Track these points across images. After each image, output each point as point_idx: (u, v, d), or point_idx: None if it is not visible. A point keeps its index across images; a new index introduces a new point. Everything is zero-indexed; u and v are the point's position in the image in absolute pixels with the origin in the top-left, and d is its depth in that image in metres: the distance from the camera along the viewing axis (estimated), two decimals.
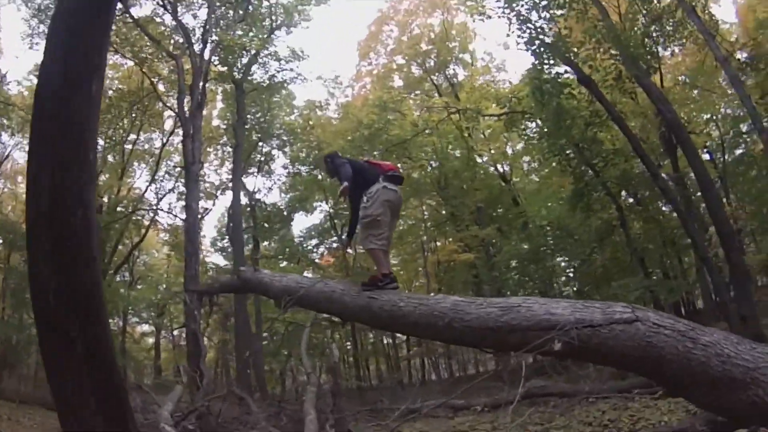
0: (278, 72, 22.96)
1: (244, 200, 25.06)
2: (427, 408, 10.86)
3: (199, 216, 20.36)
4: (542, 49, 15.57)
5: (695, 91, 20.37)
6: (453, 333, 4.39)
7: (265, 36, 21.26)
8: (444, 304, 4.47)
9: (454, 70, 27.85)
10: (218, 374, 25.59)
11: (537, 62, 15.94)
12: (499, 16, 15.69)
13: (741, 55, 16.07)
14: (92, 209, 3.51)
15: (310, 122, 27.61)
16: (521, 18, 15.38)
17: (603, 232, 18.06)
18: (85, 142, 3.41)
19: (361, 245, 5.68)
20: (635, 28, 16.27)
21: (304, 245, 29.40)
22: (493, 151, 27.25)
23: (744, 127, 19.82)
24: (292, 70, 23.02)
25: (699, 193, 17.59)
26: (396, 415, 7.89)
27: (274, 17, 21.84)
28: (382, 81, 27.76)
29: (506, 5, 15.34)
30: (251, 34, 21.08)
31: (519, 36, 15.62)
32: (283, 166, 28.34)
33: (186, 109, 18.09)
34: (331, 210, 29.09)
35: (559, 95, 15.26)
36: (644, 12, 16.47)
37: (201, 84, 18.42)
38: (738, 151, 20.58)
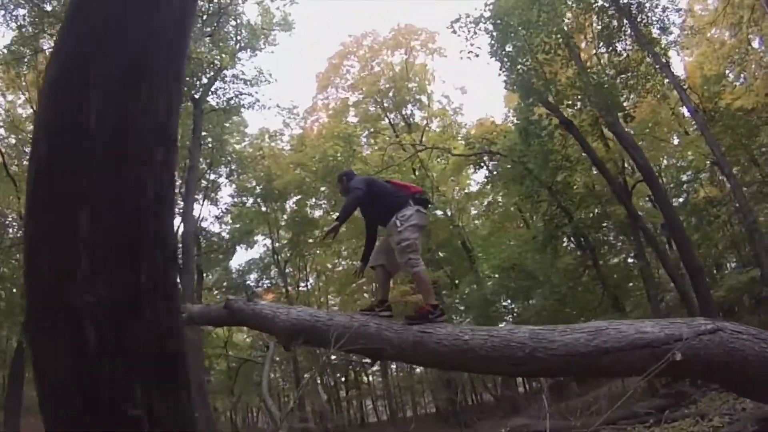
0: (238, 95, 22.48)
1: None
2: None
3: None
4: (529, 91, 16.37)
5: (641, 142, 22.09)
6: (536, 363, 4.38)
7: (231, 54, 20.84)
8: (521, 334, 4.46)
9: (411, 110, 28.55)
10: None
11: (523, 104, 16.71)
12: (490, 57, 16.30)
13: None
14: (175, 155, 1.92)
15: (261, 151, 27.10)
16: (510, 58, 16.12)
17: (574, 272, 18.89)
18: (180, 51, 1.95)
19: (403, 271, 5.34)
20: (602, 79, 17.51)
21: (245, 279, 28.39)
22: (442, 196, 27.94)
23: (684, 177, 21.75)
24: (251, 95, 22.64)
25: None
26: None
27: (239, 37, 21.48)
28: (339, 116, 27.86)
29: (498, 46, 16.03)
30: (214, 52, 20.61)
31: (507, 77, 16.40)
32: (230, 195, 27.47)
33: None
34: (277, 244, 28.56)
35: (551, 136, 15.97)
36: (611, 64, 17.82)
37: None
38: (680, 199, 22.37)
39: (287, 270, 28.75)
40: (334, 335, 4.64)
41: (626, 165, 19.80)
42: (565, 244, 20.02)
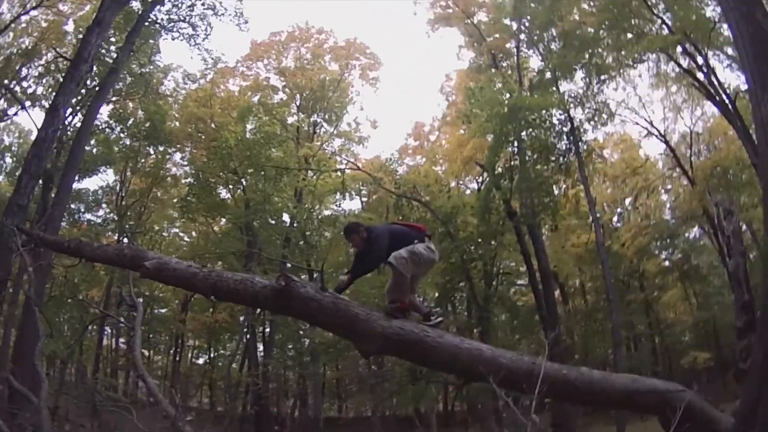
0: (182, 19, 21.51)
1: None
2: None
3: None
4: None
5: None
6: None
7: None
8: (572, 371, 5.37)
9: (320, 120, 29.74)
10: None
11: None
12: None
13: None
14: None
15: (161, 86, 25.43)
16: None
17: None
18: None
19: (395, 263, 5.46)
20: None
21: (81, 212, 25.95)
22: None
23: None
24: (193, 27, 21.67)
25: None
26: None
27: None
28: (251, 91, 27.52)
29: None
30: None
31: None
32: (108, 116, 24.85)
33: None
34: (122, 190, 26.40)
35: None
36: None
37: None
38: None
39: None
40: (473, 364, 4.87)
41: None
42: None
